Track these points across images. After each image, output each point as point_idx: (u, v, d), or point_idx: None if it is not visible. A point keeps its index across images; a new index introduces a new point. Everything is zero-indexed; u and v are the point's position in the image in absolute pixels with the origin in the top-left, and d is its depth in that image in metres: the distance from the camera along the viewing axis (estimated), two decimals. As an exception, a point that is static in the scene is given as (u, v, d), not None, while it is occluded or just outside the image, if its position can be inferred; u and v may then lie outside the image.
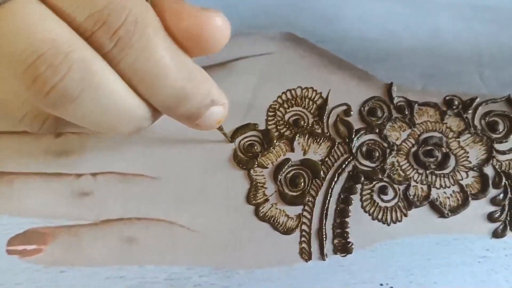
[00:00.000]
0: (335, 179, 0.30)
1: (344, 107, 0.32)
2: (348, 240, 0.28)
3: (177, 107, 0.22)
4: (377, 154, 0.30)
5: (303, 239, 0.28)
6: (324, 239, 0.28)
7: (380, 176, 0.30)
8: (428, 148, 0.31)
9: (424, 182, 0.30)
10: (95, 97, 0.19)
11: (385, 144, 0.31)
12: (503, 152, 0.31)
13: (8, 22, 0.18)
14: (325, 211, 0.29)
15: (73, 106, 0.19)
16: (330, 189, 0.30)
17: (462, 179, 0.30)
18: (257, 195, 0.29)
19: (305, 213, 0.29)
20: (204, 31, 0.21)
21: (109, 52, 0.19)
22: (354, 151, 0.31)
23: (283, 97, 0.32)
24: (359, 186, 0.30)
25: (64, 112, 0.20)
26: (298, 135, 0.31)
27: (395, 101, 0.32)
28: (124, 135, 0.25)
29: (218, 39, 0.22)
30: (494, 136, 0.31)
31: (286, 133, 0.31)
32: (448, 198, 0.29)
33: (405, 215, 0.29)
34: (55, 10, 0.18)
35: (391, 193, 0.30)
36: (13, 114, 0.22)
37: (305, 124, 0.31)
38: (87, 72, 0.19)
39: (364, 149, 0.31)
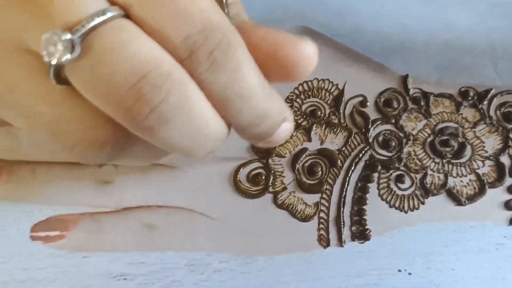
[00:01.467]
0: (352, 168, 0.30)
1: (360, 98, 0.32)
2: (366, 227, 0.29)
3: (255, 127, 0.21)
4: (393, 144, 0.31)
5: (321, 226, 0.29)
6: (342, 226, 0.29)
7: (396, 165, 0.30)
8: (444, 138, 0.31)
9: (441, 171, 0.30)
10: (186, 121, 0.19)
11: (401, 134, 0.31)
12: (519, 142, 0.31)
13: (105, 45, 0.17)
14: (342, 199, 0.29)
15: (164, 129, 0.18)
16: (348, 178, 0.30)
17: (478, 168, 0.30)
18: (276, 183, 0.30)
19: (323, 201, 0.29)
20: (293, 59, 0.20)
21: (202, 74, 0.18)
22: (370, 140, 0.31)
23: (300, 88, 0.33)
24: (376, 175, 0.30)
25: (153, 136, 0.19)
26: (315, 125, 0.32)
27: (410, 93, 0.32)
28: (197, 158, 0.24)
29: (306, 69, 0.20)
30: (510, 126, 0.31)
31: (303, 123, 0.32)
32: (465, 186, 0.30)
33: (422, 203, 0.29)
34: (149, 32, 0.18)
35: (408, 182, 0.30)
36: (63, 141, 0.20)
37: (322, 114, 0.32)
38: (184, 95, 0.18)
39: (380, 138, 0.31)
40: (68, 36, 0.17)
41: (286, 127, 0.22)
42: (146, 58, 0.17)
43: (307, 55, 0.20)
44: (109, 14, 0.17)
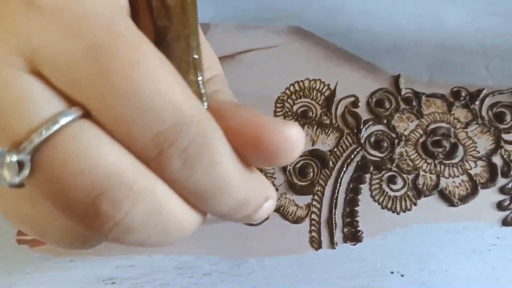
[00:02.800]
0: (344, 169, 0.30)
1: (352, 99, 0.32)
2: (358, 228, 0.28)
3: (235, 214, 0.20)
4: (385, 144, 0.31)
5: (313, 228, 0.28)
6: (334, 227, 0.28)
7: (389, 166, 0.30)
8: (437, 138, 0.31)
9: (433, 172, 0.30)
10: (157, 224, 0.17)
11: (393, 135, 0.31)
12: (511, 142, 0.31)
13: (57, 160, 0.15)
14: (334, 200, 0.29)
15: (130, 236, 0.17)
16: (339, 179, 0.30)
17: (470, 169, 0.30)
18: (266, 185, 0.29)
19: (314, 203, 0.29)
20: (276, 145, 0.18)
21: (174, 172, 0.17)
22: (362, 141, 0.31)
23: (291, 88, 0.33)
24: (368, 176, 0.30)
25: (122, 241, 0.18)
26: (306, 126, 0.31)
27: (402, 93, 0.32)
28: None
29: (290, 154, 0.18)
30: (502, 126, 0.31)
31: (294, 124, 0.31)
32: (457, 187, 0.29)
33: (415, 204, 0.29)
34: (113, 132, 0.16)
35: (400, 183, 0.30)
36: (47, 238, 0.19)
37: (314, 115, 0.32)
38: (151, 202, 0.16)
39: (372, 139, 0.31)
40: (14, 158, 0.15)
41: (269, 206, 0.21)
42: (105, 172, 0.15)
43: (292, 140, 0.18)
44: (62, 121, 0.15)
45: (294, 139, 0.18)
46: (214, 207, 0.19)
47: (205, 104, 0.19)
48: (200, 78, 0.19)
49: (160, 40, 0.18)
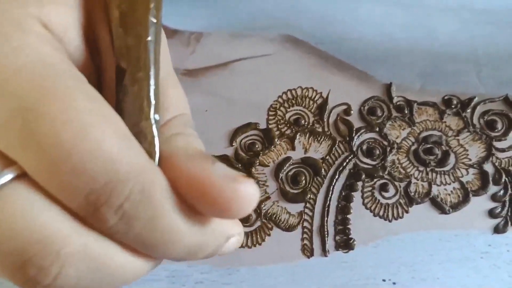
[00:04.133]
0: (336, 176, 0.30)
1: (344, 107, 0.32)
2: (350, 236, 0.28)
3: (191, 259, 0.20)
4: (377, 152, 0.31)
5: (305, 235, 0.28)
6: (326, 235, 0.28)
7: (381, 174, 0.30)
8: (428, 146, 0.31)
9: (425, 179, 0.30)
10: (96, 279, 0.17)
11: (385, 143, 0.31)
12: (502, 150, 0.31)
13: None
14: (326, 208, 0.29)
15: None
16: (331, 187, 0.30)
17: (462, 176, 0.30)
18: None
19: (306, 210, 0.29)
20: (223, 204, 0.17)
21: (112, 228, 0.17)
22: (354, 149, 0.31)
23: (284, 97, 0.33)
24: (360, 184, 0.30)
25: None
26: (299, 133, 0.31)
27: (394, 101, 0.32)
28: None
29: (240, 212, 0.17)
30: (493, 134, 0.31)
31: (287, 132, 0.31)
32: (449, 194, 0.29)
33: (406, 212, 0.29)
34: (47, 193, 0.16)
35: (392, 190, 0.30)
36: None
37: (306, 123, 0.32)
38: (85, 262, 0.16)
39: (364, 147, 0.31)
40: None
41: (234, 242, 0.21)
42: (33, 237, 0.15)
43: (242, 199, 0.17)
44: None
45: (244, 198, 0.17)
46: (163, 255, 0.18)
47: (156, 151, 0.18)
48: (153, 123, 0.18)
49: (119, 81, 0.18)
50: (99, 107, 0.16)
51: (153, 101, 0.18)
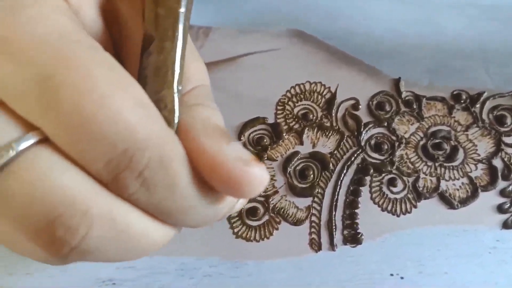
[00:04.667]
0: (344, 171, 0.30)
1: (353, 101, 0.32)
2: (358, 231, 0.28)
3: (207, 224, 0.20)
4: (385, 147, 0.31)
5: (312, 230, 0.28)
6: (334, 230, 0.28)
7: (389, 168, 0.30)
8: (437, 141, 0.31)
9: (433, 174, 0.30)
10: (119, 244, 0.17)
11: (394, 137, 0.31)
12: (511, 145, 0.31)
13: (11, 187, 0.15)
14: (334, 203, 0.29)
15: (94, 256, 0.17)
16: (339, 181, 0.30)
17: (471, 171, 0.30)
18: (267, 187, 0.30)
19: (314, 205, 0.29)
20: (231, 185, 0.17)
21: (132, 194, 0.17)
22: (362, 144, 0.31)
23: (292, 91, 0.33)
24: (368, 178, 0.30)
25: (85, 260, 0.18)
26: (307, 128, 0.31)
27: (403, 96, 0.32)
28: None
29: (251, 192, 0.18)
30: (502, 129, 0.31)
31: (295, 127, 0.31)
32: (458, 190, 0.29)
33: (415, 207, 0.29)
34: (69, 158, 0.16)
35: (400, 185, 0.30)
36: (19, 252, 0.18)
37: (314, 117, 0.32)
38: (110, 224, 0.17)
39: (372, 142, 0.31)
40: None
41: (241, 202, 0.21)
42: (59, 198, 0.15)
43: (250, 183, 0.17)
44: (18, 148, 0.15)
45: (253, 181, 0.17)
46: (182, 224, 0.19)
47: (176, 120, 0.18)
48: (175, 92, 0.18)
49: (145, 48, 0.18)
50: (118, 75, 0.16)
51: (177, 71, 0.18)
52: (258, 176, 0.17)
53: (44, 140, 0.16)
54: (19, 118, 0.16)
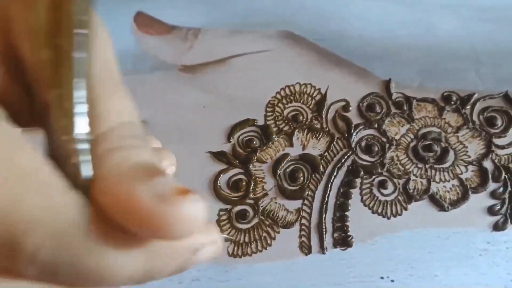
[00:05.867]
0: (335, 173, 0.30)
1: (343, 103, 0.32)
2: (348, 233, 0.28)
3: (151, 279, 0.17)
4: (376, 149, 0.30)
5: (302, 233, 0.28)
6: (324, 232, 0.28)
7: (379, 170, 0.30)
8: (427, 142, 0.31)
9: (424, 176, 0.30)
10: None
11: (384, 139, 0.31)
12: (502, 147, 0.31)
13: None
14: (324, 205, 0.29)
15: None
16: (330, 183, 0.29)
17: (461, 173, 0.30)
18: (256, 189, 0.29)
19: (304, 207, 0.29)
20: (160, 228, 0.14)
21: (37, 278, 0.15)
22: (353, 145, 0.31)
23: (282, 93, 0.32)
24: (358, 180, 0.30)
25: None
26: (297, 130, 0.31)
27: (393, 97, 0.32)
28: None
29: (180, 232, 0.15)
30: (493, 131, 0.31)
31: (285, 128, 0.31)
32: (448, 191, 0.29)
33: (405, 209, 0.29)
34: None
35: (390, 187, 0.29)
36: None
37: (304, 119, 0.31)
38: None
39: (363, 143, 0.31)
40: None
41: (208, 251, 0.17)
42: None
43: (174, 222, 0.14)
44: None
45: (179, 220, 0.14)
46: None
47: (84, 174, 0.16)
48: (79, 142, 0.16)
49: (41, 100, 0.16)
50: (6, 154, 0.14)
51: (78, 119, 0.16)
52: (184, 212, 0.14)
53: None
54: None
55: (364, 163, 0.30)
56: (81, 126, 0.16)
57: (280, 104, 0.32)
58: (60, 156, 0.15)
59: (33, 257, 0.14)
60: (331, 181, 0.29)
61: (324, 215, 0.29)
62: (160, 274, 0.17)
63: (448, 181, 0.30)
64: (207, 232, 0.18)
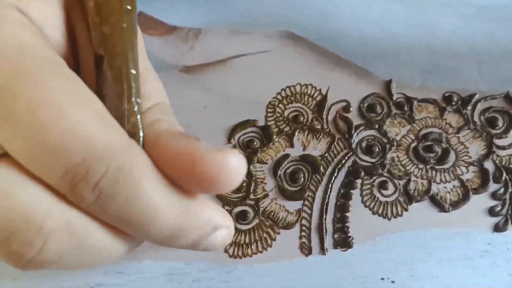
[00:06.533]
0: (335, 174, 0.30)
1: (344, 104, 0.32)
2: (348, 234, 0.28)
3: (174, 243, 0.20)
4: (377, 150, 0.30)
5: (303, 233, 0.28)
6: (325, 233, 0.28)
7: (380, 171, 0.30)
8: (428, 143, 0.31)
9: (424, 177, 0.30)
10: (77, 255, 0.18)
11: (385, 140, 0.31)
12: (503, 147, 0.30)
13: None
14: (325, 206, 0.29)
15: (53, 266, 0.18)
16: (330, 184, 0.29)
17: (462, 174, 0.30)
18: (257, 190, 0.29)
19: (305, 208, 0.29)
20: (210, 177, 0.17)
21: (89, 206, 0.17)
22: (353, 146, 0.31)
23: (282, 93, 0.32)
24: (359, 181, 0.30)
25: (44, 269, 0.18)
26: (297, 131, 0.31)
27: (394, 98, 0.32)
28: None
29: (228, 184, 0.18)
30: (494, 131, 0.31)
31: (285, 129, 0.31)
32: (449, 192, 0.29)
33: (406, 210, 0.29)
34: (27, 171, 0.16)
35: (391, 188, 0.29)
36: None
37: (305, 120, 0.31)
38: (66, 237, 0.17)
39: (363, 144, 0.31)
40: None
41: (219, 235, 0.20)
42: (14, 213, 0.16)
43: (229, 170, 0.17)
44: None
45: (232, 168, 0.17)
46: (144, 235, 0.19)
47: (141, 133, 0.19)
48: (135, 105, 0.19)
49: (97, 67, 0.19)
50: (77, 89, 0.16)
51: (133, 85, 0.19)
52: (236, 162, 0.17)
53: (3, 155, 0.16)
54: None
55: (364, 164, 0.30)
56: (137, 93, 0.19)
57: (280, 105, 0.32)
58: (115, 118, 0.18)
59: (96, 184, 0.16)
60: (332, 182, 0.30)
61: (324, 216, 0.29)
62: (180, 239, 0.19)
63: (449, 182, 0.30)
64: (224, 215, 0.21)
